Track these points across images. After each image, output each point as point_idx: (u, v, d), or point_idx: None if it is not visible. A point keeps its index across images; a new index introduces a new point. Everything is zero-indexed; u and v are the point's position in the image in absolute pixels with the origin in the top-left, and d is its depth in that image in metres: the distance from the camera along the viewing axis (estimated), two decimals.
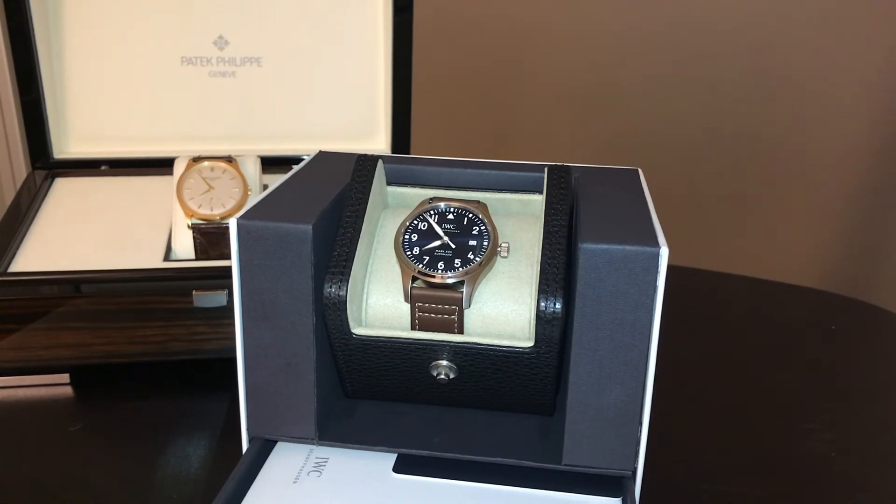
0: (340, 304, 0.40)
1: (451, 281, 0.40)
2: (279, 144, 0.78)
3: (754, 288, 0.82)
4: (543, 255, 0.40)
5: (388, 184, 0.46)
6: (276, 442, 0.44)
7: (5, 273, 0.58)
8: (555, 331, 0.39)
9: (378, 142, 0.79)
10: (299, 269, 0.40)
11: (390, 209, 0.46)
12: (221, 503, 0.38)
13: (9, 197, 1.18)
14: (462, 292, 0.40)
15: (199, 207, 0.63)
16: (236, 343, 0.42)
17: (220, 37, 0.75)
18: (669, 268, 0.37)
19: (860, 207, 1.29)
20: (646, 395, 0.39)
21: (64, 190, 0.70)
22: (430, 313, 0.40)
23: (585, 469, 0.40)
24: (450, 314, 0.40)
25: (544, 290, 0.38)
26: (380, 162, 0.45)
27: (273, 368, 0.41)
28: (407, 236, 0.42)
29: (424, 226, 0.42)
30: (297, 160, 0.75)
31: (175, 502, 0.48)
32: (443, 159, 0.47)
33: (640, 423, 0.39)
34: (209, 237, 0.62)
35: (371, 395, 0.45)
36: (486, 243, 0.41)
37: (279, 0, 0.75)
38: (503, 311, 0.41)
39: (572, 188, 0.44)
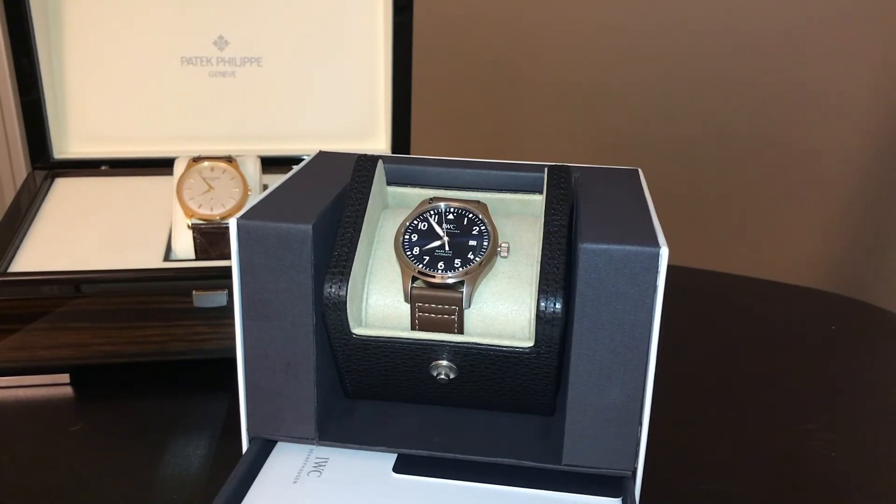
0: (340, 304, 0.40)
1: (451, 281, 0.40)
2: (279, 144, 0.78)
3: (754, 288, 0.82)
4: (543, 255, 0.40)
5: (388, 184, 0.46)
6: (276, 442, 0.44)
7: (5, 273, 0.58)
8: (555, 331, 0.39)
9: (378, 142, 0.79)
10: (299, 269, 0.40)
11: (390, 209, 0.46)
12: (221, 503, 0.38)
13: (9, 197, 1.18)
14: (462, 292, 0.40)
15: (199, 207, 0.63)
16: (236, 343, 0.42)
17: (220, 37, 0.75)
18: (669, 268, 0.37)
19: (860, 207, 1.29)
20: (646, 395, 0.39)
21: (64, 190, 0.70)
22: (430, 313, 0.40)
23: (585, 469, 0.40)
24: (450, 314, 0.40)
25: (544, 290, 0.38)
26: (380, 162, 0.45)
27: (273, 368, 0.41)
28: (407, 236, 0.42)
29: (424, 226, 0.42)
30: (297, 160, 0.75)
31: (175, 502, 0.48)
32: (443, 159, 0.47)
33: (640, 423, 0.39)
34: (209, 237, 0.62)
35: (371, 395, 0.45)
36: (486, 243, 0.41)
37: (279, 0, 0.75)
38: (503, 311, 0.41)
39: (572, 188, 0.44)
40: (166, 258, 0.62)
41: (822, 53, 1.23)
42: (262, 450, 0.43)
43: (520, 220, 0.44)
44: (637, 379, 0.39)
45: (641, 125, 1.31)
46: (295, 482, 0.41)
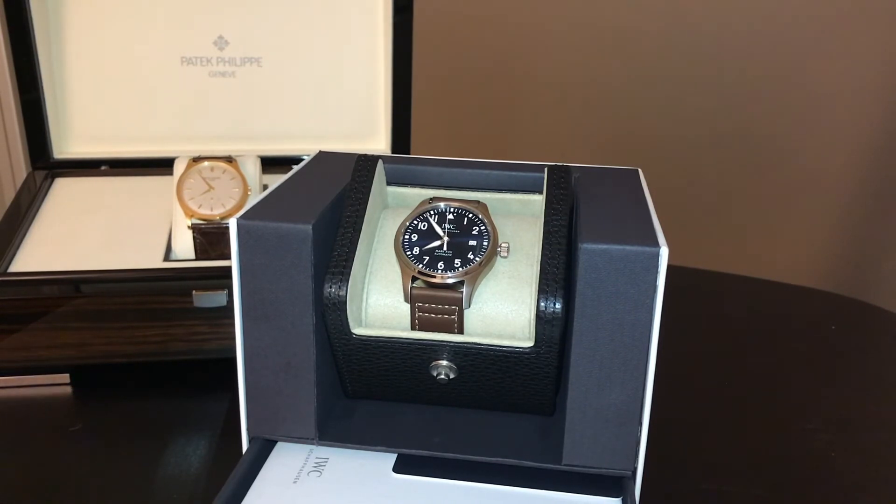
0: (340, 304, 0.40)
1: (451, 281, 0.40)
2: (279, 144, 0.78)
3: (754, 288, 0.82)
4: (543, 255, 0.40)
5: (388, 184, 0.46)
6: (276, 442, 0.44)
7: (5, 273, 0.58)
8: (555, 331, 0.39)
9: (378, 142, 0.79)
10: (299, 269, 0.40)
11: (390, 209, 0.46)
12: (221, 503, 0.38)
13: (9, 197, 1.18)
14: (462, 292, 0.40)
15: (199, 207, 0.63)
16: (236, 343, 0.42)
17: (220, 37, 0.75)
18: (669, 268, 0.37)
19: (860, 207, 1.29)
20: (646, 395, 0.39)
21: (64, 190, 0.70)
22: (430, 313, 0.40)
23: (585, 469, 0.40)
24: (450, 314, 0.40)
25: (544, 290, 0.38)
26: (380, 162, 0.45)
27: (273, 368, 0.41)
28: (407, 236, 0.42)
29: (424, 226, 0.42)
30: (297, 160, 0.75)
31: (175, 502, 0.48)
32: (443, 159, 0.47)
33: (640, 423, 0.39)
34: (209, 237, 0.62)
35: (371, 395, 0.45)
36: (486, 243, 0.41)
37: (279, 0, 0.75)
38: (503, 311, 0.41)
39: (572, 188, 0.44)
40: (166, 258, 0.62)
41: (822, 54, 1.23)
42: (262, 450, 0.43)
43: (520, 220, 0.44)
44: (637, 379, 0.39)
45: (641, 125, 1.32)
46: (295, 482, 0.41)
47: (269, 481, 0.41)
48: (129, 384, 0.61)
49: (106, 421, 0.56)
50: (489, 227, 0.42)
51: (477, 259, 0.41)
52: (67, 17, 0.72)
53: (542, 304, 0.38)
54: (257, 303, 0.40)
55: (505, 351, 0.40)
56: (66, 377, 0.60)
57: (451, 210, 0.43)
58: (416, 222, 0.42)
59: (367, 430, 0.43)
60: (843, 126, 1.25)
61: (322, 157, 0.50)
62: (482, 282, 0.41)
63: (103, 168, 0.74)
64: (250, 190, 0.64)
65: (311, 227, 0.39)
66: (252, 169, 0.66)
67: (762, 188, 1.31)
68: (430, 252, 0.41)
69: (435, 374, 0.41)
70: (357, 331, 0.41)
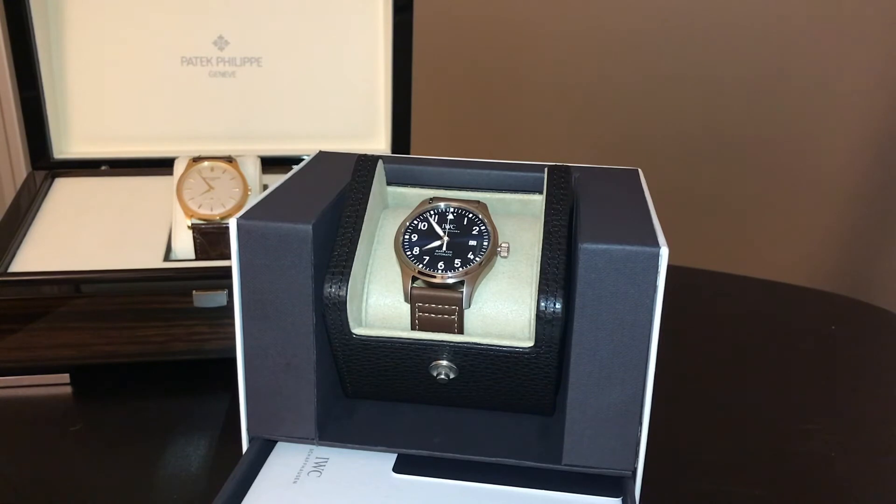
0: (340, 304, 0.40)
1: (451, 281, 0.40)
2: (279, 144, 0.78)
3: (754, 288, 0.82)
4: (543, 255, 0.40)
5: (388, 184, 0.46)
6: (276, 442, 0.44)
7: (5, 273, 0.58)
8: (555, 331, 0.39)
9: (378, 142, 0.79)
10: (299, 269, 0.40)
11: (390, 209, 0.46)
12: (221, 503, 0.38)
13: (9, 197, 1.18)
14: (462, 292, 0.40)
15: (199, 207, 0.63)
16: (236, 343, 0.42)
17: (220, 37, 0.75)
18: (669, 268, 0.37)
19: (860, 207, 1.29)
20: (646, 395, 0.39)
21: (64, 190, 0.70)
22: (430, 313, 0.40)
23: (585, 469, 0.40)
24: (450, 314, 0.40)
25: (544, 290, 0.38)
26: (380, 162, 0.45)
27: (273, 368, 0.41)
28: (407, 236, 0.42)
29: (424, 226, 0.42)
30: (297, 160, 0.75)
31: (175, 502, 0.48)
32: (443, 159, 0.47)
33: (640, 423, 0.39)
34: (209, 237, 0.62)
35: (371, 395, 0.45)
36: (486, 243, 0.41)
37: (279, 0, 0.75)
38: (503, 311, 0.41)
39: (572, 188, 0.44)
40: (166, 258, 0.62)
41: (821, 54, 1.23)
42: (262, 450, 0.43)
43: (520, 220, 0.44)
44: (637, 379, 0.39)
45: (641, 125, 1.32)
46: (295, 482, 0.41)
47: (269, 481, 0.41)
48: (129, 384, 0.61)
49: (106, 421, 0.56)
50: (489, 227, 0.42)
51: (477, 259, 0.41)
52: (67, 17, 0.72)
53: (542, 304, 0.38)
54: (257, 303, 0.40)
55: (505, 351, 0.40)
56: (66, 377, 0.60)
57: (451, 210, 0.43)
58: (416, 222, 0.42)
59: (367, 430, 0.43)
60: (844, 126, 1.25)
61: (322, 157, 0.50)
62: (482, 282, 0.41)
63: (103, 168, 0.74)
64: (250, 190, 0.65)
65: (311, 227, 0.39)
66: (252, 169, 0.66)
67: (762, 188, 1.31)
68: (431, 252, 0.41)
69: (435, 374, 0.41)
70: (357, 331, 0.41)
